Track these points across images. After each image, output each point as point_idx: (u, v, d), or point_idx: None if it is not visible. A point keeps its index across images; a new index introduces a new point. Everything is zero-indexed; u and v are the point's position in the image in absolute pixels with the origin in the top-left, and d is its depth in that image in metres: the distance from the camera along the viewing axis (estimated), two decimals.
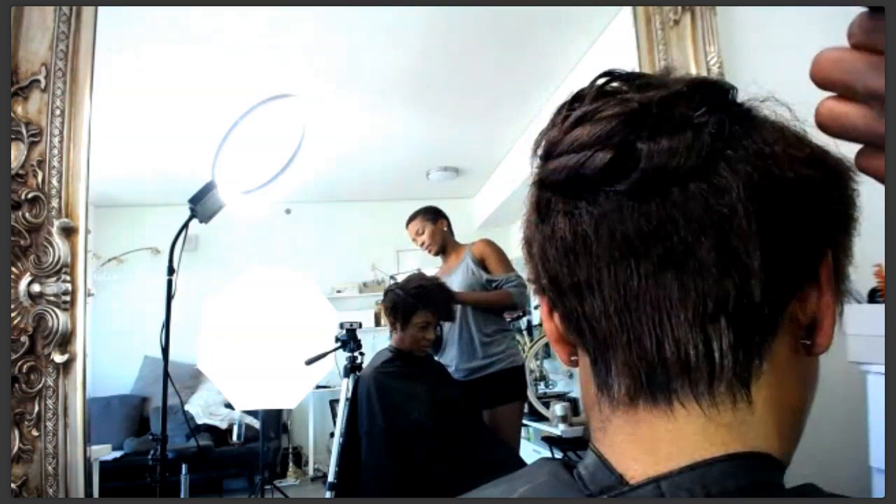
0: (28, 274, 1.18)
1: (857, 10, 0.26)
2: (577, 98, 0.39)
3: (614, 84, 0.38)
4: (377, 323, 4.29)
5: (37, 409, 1.16)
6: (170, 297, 1.66)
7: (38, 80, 1.21)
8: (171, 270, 1.69)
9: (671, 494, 0.32)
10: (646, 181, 0.34)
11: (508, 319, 2.77)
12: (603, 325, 0.36)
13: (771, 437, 0.36)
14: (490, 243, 2.54)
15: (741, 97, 0.38)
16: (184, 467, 2.89)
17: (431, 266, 2.75)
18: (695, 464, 0.33)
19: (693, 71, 1.48)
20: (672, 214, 0.33)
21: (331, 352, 2.23)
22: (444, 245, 2.59)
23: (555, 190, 0.37)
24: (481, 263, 2.47)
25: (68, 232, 1.20)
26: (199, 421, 3.81)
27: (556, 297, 0.39)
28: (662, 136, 0.34)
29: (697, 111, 0.35)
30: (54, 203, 1.20)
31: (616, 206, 0.34)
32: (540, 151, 0.39)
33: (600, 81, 0.38)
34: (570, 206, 0.36)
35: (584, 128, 0.36)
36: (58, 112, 1.22)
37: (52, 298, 1.18)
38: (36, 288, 1.18)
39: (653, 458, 0.35)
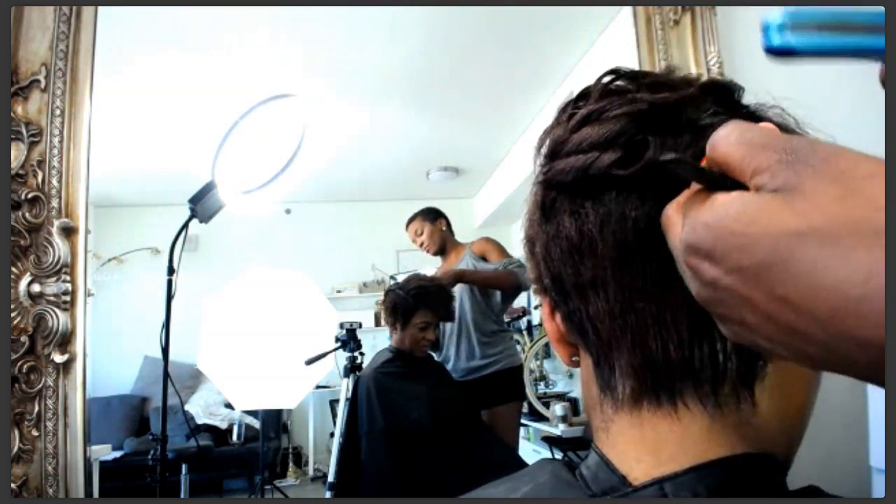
0: (28, 274, 1.18)
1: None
2: (582, 96, 0.38)
3: (619, 82, 0.38)
4: (377, 323, 4.28)
5: (37, 409, 1.15)
6: (170, 297, 1.67)
7: (38, 80, 1.21)
8: (171, 270, 1.69)
9: (674, 496, 0.32)
10: (645, 171, 0.33)
11: (508, 319, 2.78)
12: (607, 326, 0.36)
13: (774, 438, 0.35)
14: (490, 239, 2.58)
15: (749, 100, 0.38)
16: (184, 467, 2.89)
17: (431, 266, 2.76)
18: (698, 465, 0.33)
19: (693, 71, 1.48)
20: None
21: (331, 352, 2.23)
22: (444, 245, 2.61)
23: (561, 190, 0.37)
24: (482, 259, 2.50)
25: (68, 232, 1.20)
26: (199, 421, 3.80)
27: (559, 297, 0.39)
28: (667, 136, 0.34)
29: (705, 113, 0.35)
30: (54, 203, 1.20)
31: (621, 205, 0.34)
32: (545, 150, 0.38)
33: (605, 79, 0.38)
34: (576, 205, 0.36)
35: (592, 127, 0.35)
36: (58, 112, 1.22)
37: (52, 298, 1.18)
38: (36, 288, 1.17)
39: (656, 459, 0.34)
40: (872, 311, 0.20)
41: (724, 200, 0.25)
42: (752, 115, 0.37)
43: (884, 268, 0.20)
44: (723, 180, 0.26)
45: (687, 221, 0.27)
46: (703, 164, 0.28)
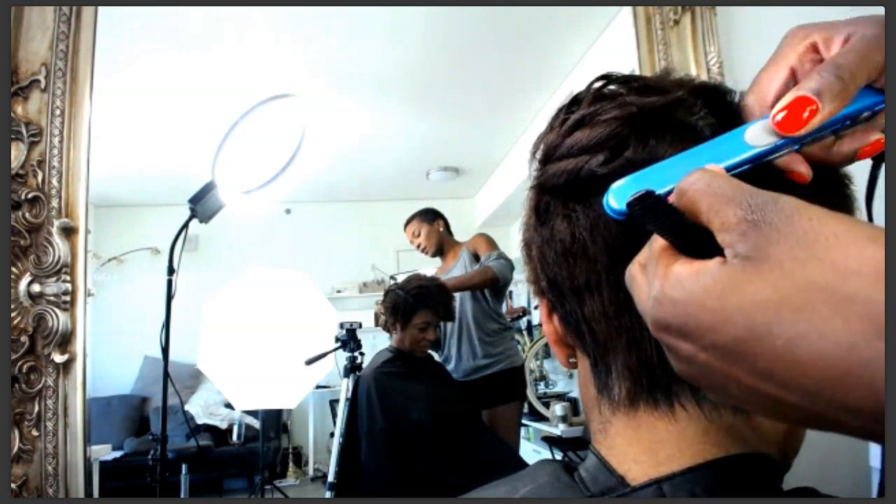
0: (28, 274, 1.18)
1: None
2: (575, 101, 0.39)
3: (611, 87, 0.38)
4: (377, 323, 4.28)
5: (37, 409, 1.15)
6: (170, 297, 1.67)
7: (38, 80, 1.21)
8: (171, 270, 1.69)
9: (672, 496, 0.32)
10: (625, 169, 0.33)
11: (510, 319, 2.78)
12: (603, 328, 0.36)
13: (771, 440, 0.36)
14: (481, 234, 2.57)
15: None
16: (184, 467, 2.89)
17: (431, 266, 2.76)
18: (696, 465, 0.33)
19: (693, 71, 1.47)
20: None
21: (331, 352, 2.23)
22: (441, 246, 2.61)
23: (553, 193, 0.37)
24: (474, 255, 2.49)
25: (68, 232, 1.20)
26: (199, 421, 3.80)
27: (556, 299, 0.39)
28: (651, 137, 0.34)
29: (694, 116, 0.35)
30: (54, 203, 1.20)
31: None
32: (539, 155, 0.39)
33: (597, 85, 0.38)
34: (568, 209, 0.36)
35: (583, 131, 0.36)
36: (58, 112, 1.22)
37: (52, 298, 1.18)
38: (36, 288, 1.17)
39: (654, 459, 0.35)
40: (861, 382, 0.20)
41: (691, 274, 0.25)
42: (740, 117, 0.37)
43: (865, 338, 0.20)
44: (687, 230, 0.26)
45: (653, 293, 0.26)
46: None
